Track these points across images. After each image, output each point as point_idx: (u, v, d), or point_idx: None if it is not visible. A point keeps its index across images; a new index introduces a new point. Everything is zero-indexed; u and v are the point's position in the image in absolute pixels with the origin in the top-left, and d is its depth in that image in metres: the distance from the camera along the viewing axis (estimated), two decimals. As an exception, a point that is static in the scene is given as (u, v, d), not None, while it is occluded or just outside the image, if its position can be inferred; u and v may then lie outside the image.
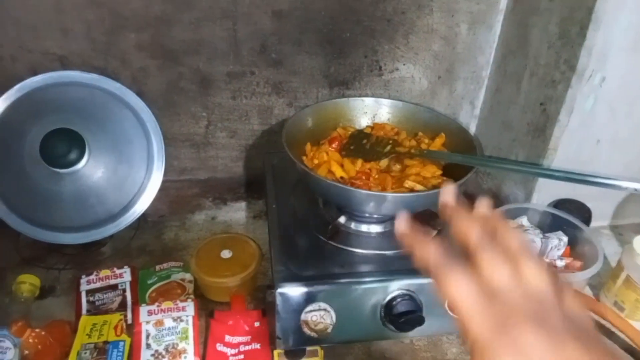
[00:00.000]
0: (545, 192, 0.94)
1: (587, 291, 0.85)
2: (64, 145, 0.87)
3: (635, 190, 0.58)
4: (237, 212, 1.02)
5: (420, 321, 0.65)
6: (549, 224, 0.88)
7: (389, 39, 0.99)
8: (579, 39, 0.79)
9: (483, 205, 0.39)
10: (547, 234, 0.84)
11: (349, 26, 0.97)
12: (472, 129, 1.14)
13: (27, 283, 0.78)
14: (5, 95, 0.79)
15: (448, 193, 0.41)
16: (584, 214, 0.90)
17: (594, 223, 0.93)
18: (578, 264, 0.81)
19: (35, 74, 0.81)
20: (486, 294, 0.32)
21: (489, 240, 0.35)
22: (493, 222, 0.37)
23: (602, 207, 0.97)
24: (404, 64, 1.03)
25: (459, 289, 0.32)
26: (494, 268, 0.33)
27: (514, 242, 0.35)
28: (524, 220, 0.88)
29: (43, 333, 0.69)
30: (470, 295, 0.32)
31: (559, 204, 0.91)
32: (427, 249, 0.36)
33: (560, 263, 0.81)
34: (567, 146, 0.87)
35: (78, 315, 0.77)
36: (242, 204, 1.04)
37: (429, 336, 0.76)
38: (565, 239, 0.83)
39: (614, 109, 0.86)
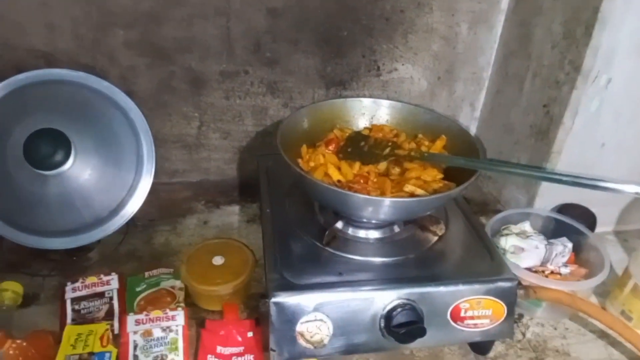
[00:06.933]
0: (548, 197, 0.91)
1: (593, 300, 0.82)
2: (48, 146, 0.83)
3: (646, 195, 0.56)
4: (230, 216, 0.98)
5: (421, 332, 0.62)
6: (552, 230, 0.85)
7: (387, 39, 0.97)
8: (584, 39, 0.77)
9: None
10: (551, 240, 0.82)
11: (346, 25, 0.94)
12: (472, 132, 1.12)
13: (10, 291, 0.75)
14: (-14, 94, 0.75)
15: None
16: (588, 219, 0.87)
17: (598, 229, 0.91)
18: (583, 271, 0.79)
19: (19, 72, 0.78)
20: None
21: None
22: None
23: (606, 213, 0.95)
24: (402, 64, 1.00)
25: None
26: None
27: None
28: (526, 226, 0.85)
29: (24, 344, 0.66)
30: None
31: (563, 209, 0.89)
32: None
33: (564, 270, 0.79)
34: (571, 149, 0.85)
35: (63, 324, 0.73)
36: (236, 208, 1.01)
37: (430, 347, 0.73)
38: (570, 245, 0.80)
39: (619, 112, 0.84)
